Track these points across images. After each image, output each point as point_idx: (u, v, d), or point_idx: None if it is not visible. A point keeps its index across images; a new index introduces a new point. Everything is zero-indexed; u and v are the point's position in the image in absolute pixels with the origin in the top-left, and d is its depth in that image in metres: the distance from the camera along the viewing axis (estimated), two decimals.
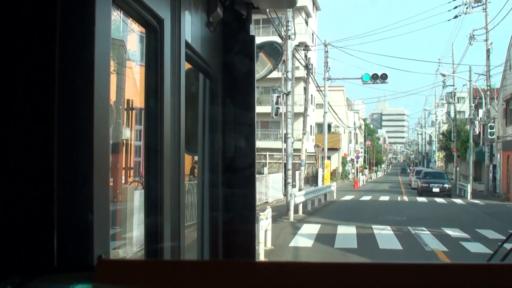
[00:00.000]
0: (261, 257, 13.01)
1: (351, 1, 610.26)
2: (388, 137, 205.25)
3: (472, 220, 23.29)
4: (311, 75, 35.74)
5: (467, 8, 43.99)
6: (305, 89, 37.61)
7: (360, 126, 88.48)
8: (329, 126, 49.26)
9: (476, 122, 45.60)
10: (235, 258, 2.46)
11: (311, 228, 19.13)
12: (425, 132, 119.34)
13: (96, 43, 1.10)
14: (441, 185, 40.76)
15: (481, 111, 45.32)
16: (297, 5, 2.91)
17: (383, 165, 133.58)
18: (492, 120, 42.77)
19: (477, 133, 46.23)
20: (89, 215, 1.09)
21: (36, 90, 1.08)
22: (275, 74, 24.43)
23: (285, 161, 26.53)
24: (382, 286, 0.88)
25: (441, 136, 77.12)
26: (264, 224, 14.01)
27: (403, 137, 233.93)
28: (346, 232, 18.31)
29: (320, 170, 39.10)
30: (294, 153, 29.13)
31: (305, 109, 35.70)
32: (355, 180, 54.75)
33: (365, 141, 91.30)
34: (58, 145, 1.07)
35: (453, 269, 0.91)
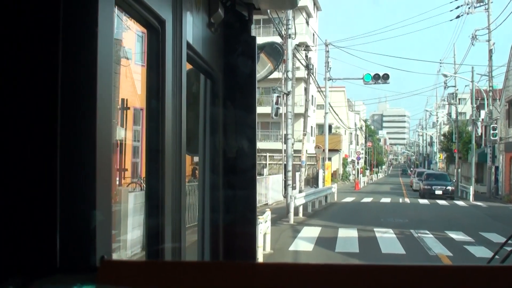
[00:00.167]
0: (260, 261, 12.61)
1: (352, 1, 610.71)
2: (389, 138, 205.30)
3: (475, 222, 22.91)
4: (312, 76, 35.39)
5: (469, 8, 43.70)
6: (306, 90, 37.29)
7: (361, 127, 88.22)
8: (330, 127, 49.00)
9: (479, 123, 45.22)
10: (235, 259, 2.46)
11: (312, 231, 18.74)
12: (426, 134, 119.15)
13: (99, 44, 1.11)
14: (444, 187, 39.86)
15: (483, 112, 44.96)
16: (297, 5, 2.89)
17: (383, 167, 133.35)
18: (495, 121, 42.37)
19: (480, 134, 45.87)
20: (92, 216, 1.09)
21: (38, 91, 1.08)
22: (275, 74, 24.06)
23: (285, 162, 26.12)
24: None
25: (442, 137, 76.78)
26: (263, 227, 13.62)
27: (404, 138, 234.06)
28: (348, 235, 17.93)
29: (320, 171, 38.78)
30: (294, 154, 28.79)
31: (306, 110, 35.38)
32: (356, 182, 54.38)
33: (366, 142, 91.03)
34: (60, 146, 1.08)
35: (453, 271, 0.91)
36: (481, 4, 43.34)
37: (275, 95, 21.14)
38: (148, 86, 1.68)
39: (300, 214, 23.38)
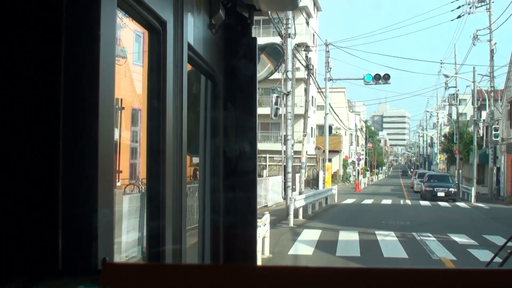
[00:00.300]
0: None
1: (352, 2, 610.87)
2: (389, 139, 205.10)
3: (478, 225, 22.58)
4: (312, 76, 35.10)
5: (470, 8, 43.33)
6: (306, 90, 37.01)
7: (361, 128, 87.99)
8: (330, 128, 48.72)
9: (480, 124, 44.88)
10: (236, 261, 2.46)
11: (312, 234, 18.38)
12: (426, 135, 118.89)
13: (101, 45, 1.11)
14: (446, 189, 39.03)
15: (484, 113, 44.61)
16: None
17: (384, 168, 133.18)
18: (496, 122, 42.02)
19: (481, 135, 45.54)
20: (94, 218, 1.09)
21: (41, 92, 1.09)
22: (275, 75, 23.66)
23: (284, 164, 25.78)
24: None
25: (443, 138, 76.48)
26: (262, 231, 13.26)
27: (404, 139, 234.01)
28: (348, 238, 17.59)
29: (321, 172, 38.49)
30: (294, 156, 28.50)
31: (306, 111, 35.12)
32: (356, 183, 54.03)
33: (366, 143, 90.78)
34: (63, 148, 1.08)
35: (452, 274, 0.93)
36: (482, 4, 42.99)
37: (275, 95, 20.80)
38: (149, 87, 1.68)
39: (300, 216, 23.03)
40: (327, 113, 39.41)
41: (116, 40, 1.25)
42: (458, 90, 59.72)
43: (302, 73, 40.60)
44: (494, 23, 41.78)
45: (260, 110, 38.65)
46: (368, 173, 77.99)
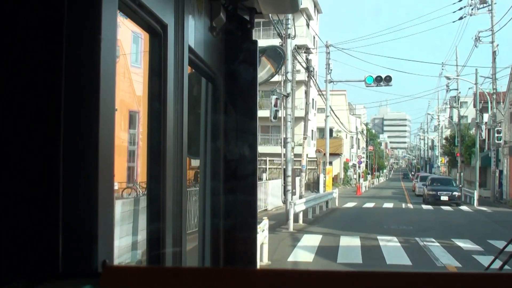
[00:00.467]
0: None
1: (352, 4, 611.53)
2: (390, 142, 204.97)
3: (482, 229, 22.16)
4: (312, 78, 34.70)
5: (472, 9, 42.93)
6: (306, 93, 36.60)
7: (362, 131, 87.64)
8: (331, 130, 48.32)
9: (483, 126, 44.41)
10: (236, 264, 2.45)
11: (312, 240, 17.91)
12: (427, 137, 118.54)
13: (102, 48, 1.12)
14: (450, 192, 37.62)
15: (486, 115, 44.17)
16: None
17: (385, 171, 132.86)
18: (499, 124, 41.55)
19: (484, 137, 45.08)
20: (94, 221, 1.10)
21: (42, 95, 1.10)
22: (275, 77, 23.27)
23: (284, 167, 25.31)
24: None
25: (444, 141, 76.06)
26: (260, 237, 12.79)
27: (405, 142, 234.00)
28: (350, 244, 17.11)
29: (321, 176, 38.06)
30: (294, 159, 28.08)
31: (306, 113, 34.72)
32: (357, 186, 53.58)
33: (367, 146, 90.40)
34: (63, 151, 1.09)
35: (452, 278, 0.93)
36: (484, 5, 42.58)
37: (274, 97, 20.35)
38: (150, 89, 1.69)
39: (300, 221, 22.55)
40: (328, 116, 38.99)
41: (117, 43, 1.25)
42: (460, 92, 59.43)
43: (302, 76, 40.27)
44: (496, 25, 41.40)
45: (260, 113, 37.86)
46: (369, 176, 77.63)
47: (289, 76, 25.66)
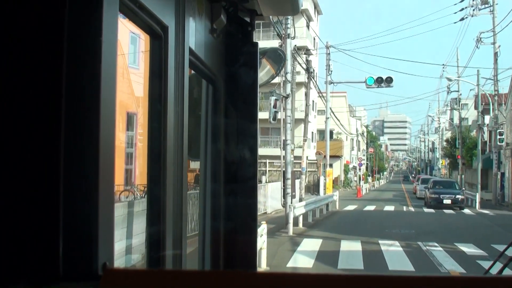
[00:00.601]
0: None
1: (353, 5, 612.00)
2: (390, 144, 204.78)
3: (485, 233, 21.77)
4: (313, 80, 34.35)
5: (473, 10, 42.64)
6: (306, 94, 36.25)
7: (362, 133, 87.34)
8: (331, 132, 47.98)
9: (485, 128, 44.03)
10: (236, 267, 2.46)
11: (312, 244, 17.52)
12: (428, 139, 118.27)
13: (103, 50, 1.13)
14: (453, 196, 36.56)
15: (487, 117, 43.80)
16: None
17: (385, 173, 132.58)
18: (501, 126, 41.16)
19: (486, 139, 44.69)
20: (95, 223, 1.10)
21: (43, 97, 1.10)
22: (276, 79, 22.91)
23: (284, 169, 24.91)
24: None
25: (445, 143, 75.71)
26: (259, 242, 12.41)
27: (405, 144, 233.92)
28: (351, 248, 16.74)
29: (321, 178, 37.71)
30: (295, 161, 27.72)
31: (306, 115, 34.39)
32: (357, 189, 53.17)
33: (367, 148, 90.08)
34: (64, 153, 1.09)
35: (452, 281, 0.94)
36: (486, 6, 42.26)
37: (273, 98, 19.98)
38: (150, 91, 1.69)
39: (300, 224, 22.14)
40: (328, 117, 38.61)
41: (118, 45, 1.25)
42: (461, 94, 59.08)
43: (302, 77, 39.97)
44: (498, 25, 41.06)
45: (260, 115, 37.64)
46: (369, 179, 77.31)
47: (289, 77, 25.26)
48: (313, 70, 35.49)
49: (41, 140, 1.09)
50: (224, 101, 2.49)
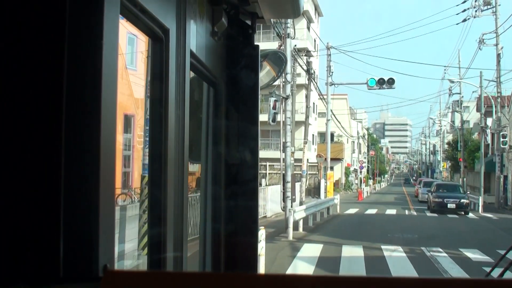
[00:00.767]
0: None
1: (354, 7, 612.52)
2: (391, 147, 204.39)
3: (489, 237, 21.34)
4: (313, 81, 33.90)
5: (476, 11, 42.19)
6: (307, 96, 35.81)
7: (363, 136, 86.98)
8: (332, 135, 47.54)
9: (488, 131, 43.53)
10: (237, 269, 2.47)
11: (313, 249, 17.04)
12: (429, 142, 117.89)
13: (104, 53, 1.13)
14: (458, 200, 35.10)
15: (489, 120, 43.35)
16: None
17: (386, 176, 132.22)
18: (504, 129, 40.67)
19: (489, 142, 44.18)
20: (95, 225, 1.10)
21: (44, 98, 1.10)
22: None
23: (283, 172, 24.40)
24: None
25: (446, 146, 75.25)
26: None
27: (406, 147, 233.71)
28: (352, 254, 16.25)
29: (322, 181, 37.22)
30: (295, 164, 27.27)
31: (307, 117, 33.96)
32: (359, 192, 52.67)
33: (368, 151, 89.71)
34: (65, 155, 1.09)
35: (453, 284, 0.95)
36: (489, 7, 41.82)
37: (273, 99, 19.49)
38: (151, 93, 1.72)
39: (300, 229, 21.66)
40: (329, 119, 38.12)
41: (119, 48, 1.25)
42: (463, 96, 58.63)
43: (303, 79, 39.56)
44: (500, 27, 40.64)
45: (260, 117, 37.37)
46: (370, 181, 76.88)
47: (288, 78, 24.78)
48: (314, 72, 35.06)
49: (42, 141, 1.09)
50: (225, 103, 2.50)
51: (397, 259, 15.51)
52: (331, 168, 43.41)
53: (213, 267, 2.48)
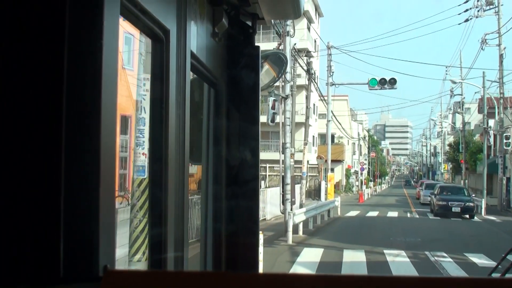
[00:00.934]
0: None
1: (354, 7, 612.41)
2: (392, 149, 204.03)
3: (494, 241, 20.78)
4: (313, 82, 33.39)
5: (478, 11, 41.66)
6: (307, 97, 35.31)
7: (364, 137, 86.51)
8: (333, 137, 47.06)
9: (491, 132, 42.99)
10: (237, 269, 2.48)
11: (313, 254, 16.49)
12: (430, 144, 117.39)
13: (104, 54, 1.13)
14: (463, 203, 33.71)
15: (491, 121, 42.82)
16: None
17: (387, 177, 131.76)
18: (507, 130, 40.13)
19: (491, 143, 43.64)
20: (95, 225, 1.10)
21: (45, 99, 1.10)
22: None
23: (283, 174, 23.85)
24: None
25: (448, 147, 74.70)
26: None
27: (406, 149, 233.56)
28: (354, 259, 15.71)
29: (323, 183, 36.71)
30: (295, 165, 26.75)
31: (307, 118, 33.47)
32: (359, 194, 52.13)
33: (369, 152, 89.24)
34: (65, 155, 1.09)
35: (455, 283, 0.94)
36: (491, 7, 41.30)
37: (272, 99, 18.94)
38: (152, 94, 1.72)
39: (300, 232, 21.10)
40: (329, 120, 37.60)
41: (119, 49, 1.25)
42: (464, 97, 58.14)
43: (303, 80, 39.10)
44: (503, 27, 40.11)
45: (260, 118, 36.96)
46: (371, 183, 76.39)
47: (288, 77, 24.25)
48: (314, 73, 34.57)
49: (42, 142, 1.08)
50: (226, 104, 2.51)
51: (401, 264, 14.96)
52: (332, 170, 42.86)
53: (214, 267, 2.48)
